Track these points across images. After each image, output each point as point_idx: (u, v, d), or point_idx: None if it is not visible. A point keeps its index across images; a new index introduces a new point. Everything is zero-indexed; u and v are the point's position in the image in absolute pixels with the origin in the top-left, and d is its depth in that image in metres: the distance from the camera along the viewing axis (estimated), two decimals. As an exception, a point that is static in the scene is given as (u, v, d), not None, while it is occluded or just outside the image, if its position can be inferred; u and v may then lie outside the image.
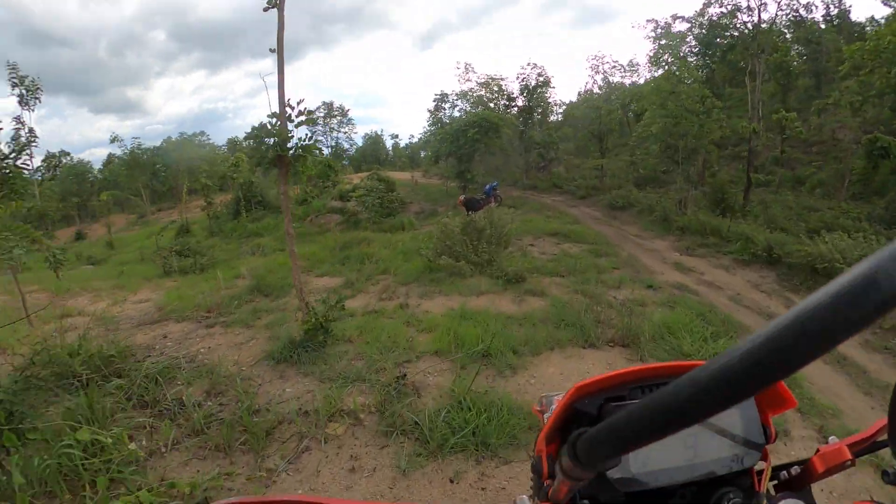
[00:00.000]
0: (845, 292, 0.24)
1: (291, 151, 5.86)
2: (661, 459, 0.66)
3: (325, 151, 50.97)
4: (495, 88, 29.45)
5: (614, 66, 31.17)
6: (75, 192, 39.93)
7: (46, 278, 12.93)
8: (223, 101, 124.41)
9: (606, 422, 0.40)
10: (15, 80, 25.24)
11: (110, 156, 45.01)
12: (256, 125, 5.62)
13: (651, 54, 26.93)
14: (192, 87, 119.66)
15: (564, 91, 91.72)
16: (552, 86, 29.42)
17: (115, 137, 37.47)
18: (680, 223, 16.25)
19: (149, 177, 38.83)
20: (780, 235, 13.34)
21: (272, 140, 5.73)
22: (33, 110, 26.34)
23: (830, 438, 0.81)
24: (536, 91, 29.62)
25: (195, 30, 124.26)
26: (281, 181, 5.89)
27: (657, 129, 17.24)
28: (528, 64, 29.74)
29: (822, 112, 23.54)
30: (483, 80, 28.09)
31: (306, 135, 6.00)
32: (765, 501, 0.70)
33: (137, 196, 39.77)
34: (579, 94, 31.55)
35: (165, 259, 15.15)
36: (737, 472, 0.72)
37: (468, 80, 28.68)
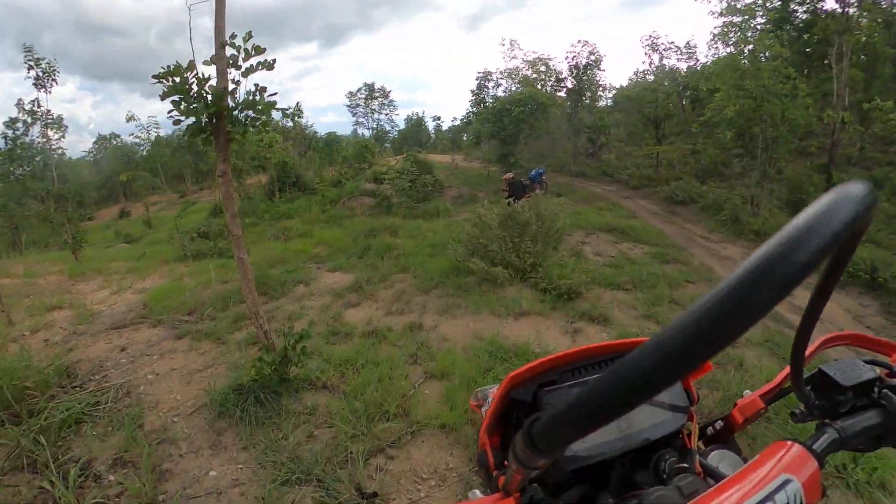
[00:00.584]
0: (765, 261, 0.27)
1: (236, 111, 3.81)
2: (599, 434, 0.65)
3: (366, 133, 49.46)
4: (542, 68, 26.96)
5: (669, 48, 28.03)
6: (121, 172, 39.64)
7: (71, 259, 12.97)
8: (270, 85, 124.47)
9: (563, 404, 0.38)
10: (31, 62, 24.40)
11: (157, 137, 44.51)
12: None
13: (716, 31, 23.84)
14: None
15: (614, 76, 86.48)
16: (602, 68, 26.65)
17: (131, 117, 36.70)
18: (754, 226, 13.79)
19: (194, 157, 37.86)
20: (881, 252, 10.92)
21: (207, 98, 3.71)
22: (50, 92, 25.59)
23: (745, 392, 0.87)
24: (587, 71, 26.94)
25: (241, 15, 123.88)
26: (219, 156, 3.86)
27: (732, 113, 14.61)
28: (579, 41, 27.10)
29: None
30: (529, 59, 25.56)
31: (257, 87, 3.93)
32: (697, 456, 0.74)
33: (178, 177, 39.24)
34: (630, 79, 28.57)
35: (184, 243, 13.79)
36: (669, 435, 0.75)
37: (514, 57, 26.29)
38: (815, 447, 0.59)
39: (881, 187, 19.27)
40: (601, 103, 31.77)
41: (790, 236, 0.28)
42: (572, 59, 27.29)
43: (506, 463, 0.72)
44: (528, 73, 26.23)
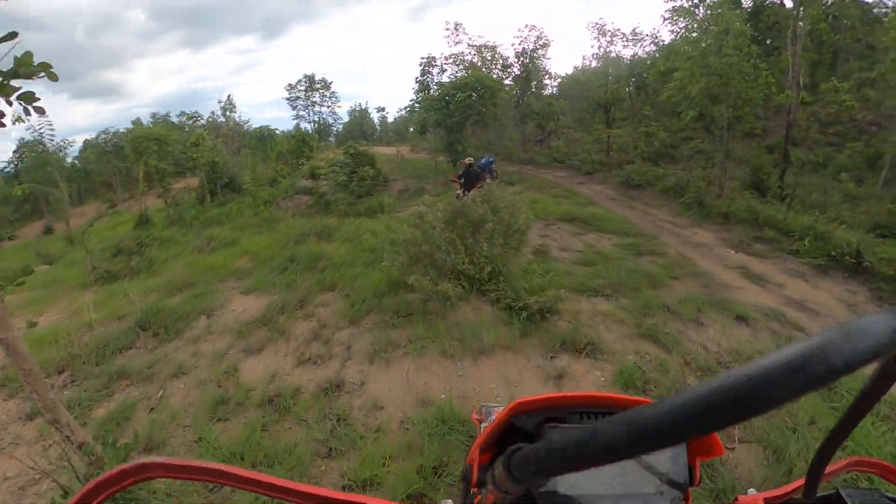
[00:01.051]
0: (797, 359, 0.25)
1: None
2: (588, 485, 0.62)
3: (308, 127, 46.64)
4: (488, 56, 25.40)
5: (616, 34, 26.78)
6: (43, 184, 35.54)
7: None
8: (209, 81, 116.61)
9: (542, 443, 0.40)
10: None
11: (85, 142, 40.56)
12: None
13: (667, 15, 22.79)
14: (175, 67, 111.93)
15: (560, 64, 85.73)
16: (548, 55, 25.39)
17: (18, 118, 32.67)
18: (720, 208, 12.61)
19: (122, 162, 34.35)
20: (856, 234, 10.12)
21: None
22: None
23: (749, 490, 0.80)
24: (534, 56, 25.59)
25: (174, 7, 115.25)
26: None
27: (696, 91, 13.35)
28: (526, 26, 25.61)
29: (861, 87, 19.92)
30: (476, 44, 23.93)
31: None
32: None
33: (107, 185, 35.79)
34: (576, 67, 27.23)
35: (91, 265, 11.47)
36: None
37: (458, 42, 24.53)
38: None
39: (825, 166, 18.75)
40: (547, 91, 30.47)
41: (830, 340, 0.26)
42: (519, 44, 25.85)
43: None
44: (475, 59, 24.56)
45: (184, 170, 29.93)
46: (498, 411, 0.76)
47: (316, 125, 48.94)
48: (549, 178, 19.64)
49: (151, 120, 41.78)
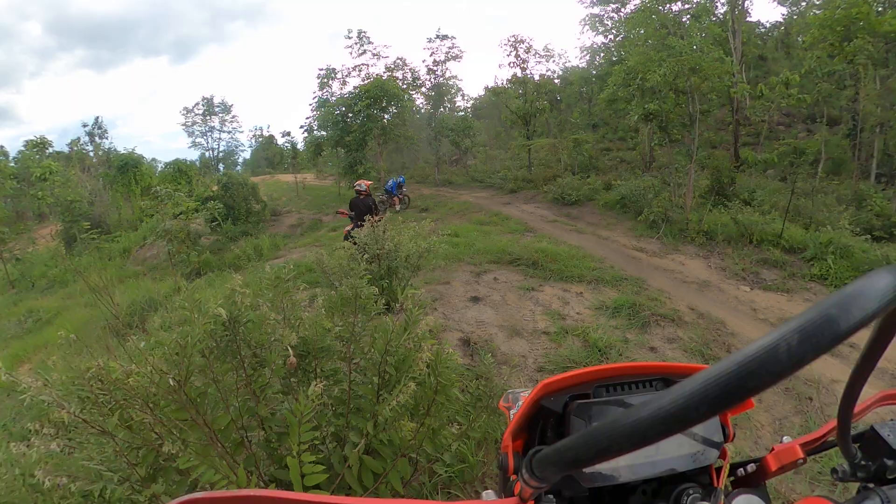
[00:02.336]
0: (808, 323, 0.26)
1: None
2: (625, 456, 0.51)
3: (205, 155, 40.82)
4: (394, 67, 21.52)
5: (528, 51, 23.66)
6: None
7: None
8: (113, 106, 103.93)
9: (557, 445, 0.40)
10: None
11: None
12: None
13: (587, 20, 20.06)
14: (76, 90, 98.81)
15: (469, 85, 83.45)
16: (458, 75, 21.91)
17: None
18: (696, 225, 9.30)
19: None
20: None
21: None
22: None
23: (784, 438, 0.78)
24: (445, 71, 22.10)
25: (77, 23, 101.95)
26: None
27: (657, 80, 9.94)
28: (437, 36, 22.00)
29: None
30: (381, 53, 19.89)
31: None
32: (722, 496, 0.66)
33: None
34: (486, 87, 23.66)
35: None
36: (696, 469, 0.67)
37: (363, 52, 20.33)
38: None
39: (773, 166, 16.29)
40: (460, 111, 27.02)
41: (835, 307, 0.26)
42: (430, 55, 22.20)
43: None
44: (380, 71, 20.50)
45: (43, 212, 23.92)
46: (525, 395, 0.76)
47: (213, 152, 43.08)
48: (470, 200, 15.87)
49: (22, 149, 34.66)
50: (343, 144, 16.06)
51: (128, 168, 19.96)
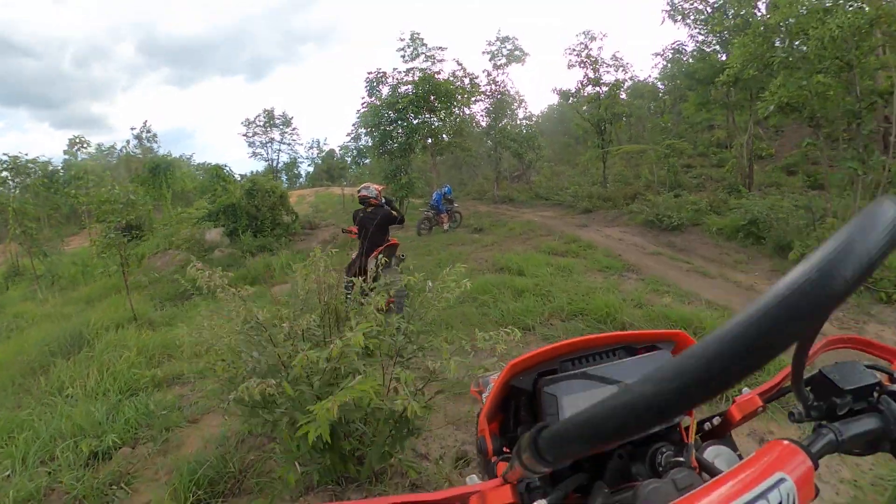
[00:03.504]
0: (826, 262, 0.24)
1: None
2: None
3: (263, 165, 39.55)
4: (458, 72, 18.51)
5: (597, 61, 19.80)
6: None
7: None
8: (191, 119, 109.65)
9: (574, 417, 0.34)
10: None
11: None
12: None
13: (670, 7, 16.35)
14: (160, 103, 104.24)
15: (530, 99, 79.43)
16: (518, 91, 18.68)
17: None
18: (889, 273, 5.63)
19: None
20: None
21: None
22: None
23: (744, 389, 0.80)
24: (507, 71, 18.98)
25: (164, 44, 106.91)
26: None
27: (835, 30, 6.29)
28: (497, 38, 18.93)
29: None
30: (437, 56, 16.86)
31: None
32: (693, 450, 0.67)
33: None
34: (554, 90, 20.02)
35: None
36: (667, 429, 0.69)
37: (416, 56, 17.41)
38: (810, 448, 0.54)
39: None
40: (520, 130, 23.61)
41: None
42: (490, 59, 19.14)
43: (505, 450, 0.69)
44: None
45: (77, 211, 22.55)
46: (494, 378, 0.75)
47: (273, 163, 41.75)
48: (535, 220, 12.53)
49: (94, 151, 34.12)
50: (387, 151, 13.16)
51: (159, 171, 17.96)
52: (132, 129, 31.72)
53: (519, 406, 0.70)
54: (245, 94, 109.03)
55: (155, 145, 32.54)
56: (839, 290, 0.23)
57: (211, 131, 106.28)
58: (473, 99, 18.80)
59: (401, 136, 12.77)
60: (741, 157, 14.89)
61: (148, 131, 32.25)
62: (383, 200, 12.46)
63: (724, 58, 13.87)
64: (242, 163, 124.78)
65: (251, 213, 13.52)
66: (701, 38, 15.84)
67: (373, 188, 5.42)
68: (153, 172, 17.08)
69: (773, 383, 0.80)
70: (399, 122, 13.02)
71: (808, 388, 0.65)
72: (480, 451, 0.68)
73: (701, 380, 0.25)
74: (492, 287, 5.33)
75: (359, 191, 5.48)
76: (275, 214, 13.64)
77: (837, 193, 7.81)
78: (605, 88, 17.01)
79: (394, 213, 5.31)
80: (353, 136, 16.50)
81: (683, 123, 22.60)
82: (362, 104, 16.76)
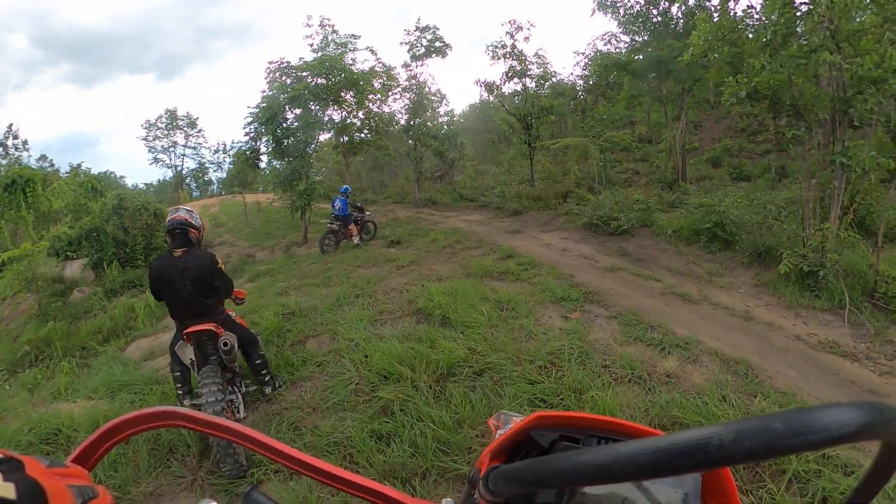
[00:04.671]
0: (748, 429, 0.26)
1: None
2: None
3: (168, 173, 35.15)
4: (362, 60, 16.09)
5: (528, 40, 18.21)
6: None
7: None
8: (96, 123, 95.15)
9: (511, 465, 0.41)
10: None
11: None
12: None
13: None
14: (60, 105, 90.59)
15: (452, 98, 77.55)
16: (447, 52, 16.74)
17: None
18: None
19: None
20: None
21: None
22: None
23: None
24: (427, 62, 16.89)
25: (63, 37, 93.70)
26: None
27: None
28: (417, 28, 16.78)
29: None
30: (346, 42, 14.32)
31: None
32: None
33: None
34: (477, 81, 18.09)
35: None
36: None
37: (326, 44, 14.80)
38: None
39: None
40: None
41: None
42: (409, 48, 16.95)
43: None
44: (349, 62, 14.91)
45: None
46: (516, 420, 0.75)
47: (175, 170, 37.23)
48: (462, 226, 10.58)
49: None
50: (282, 152, 10.66)
51: (16, 187, 14.26)
52: (-10, 134, 26.05)
53: (527, 458, 0.61)
54: (155, 95, 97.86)
55: (25, 154, 27.46)
56: (734, 458, 0.25)
57: (117, 137, 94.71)
58: (390, 93, 16.63)
59: (298, 133, 10.30)
60: (674, 151, 13.77)
61: (15, 137, 27.09)
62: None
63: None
64: (144, 171, 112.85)
65: (119, 239, 10.61)
66: (632, 30, 14.59)
67: (182, 213, 3.12)
68: (7, 190, 13.36)
69: None
70: (296, 115, 10.56)
71: None
72: (470, 482, 0.61)
73: (600, 468, 0.30)
74: (403, 363, 3.22)
75: (168, 217, 3.12)
76: (149, 237, 10.79)
77: (803, 189, 6.40)
78: (531, 82, 15.40)
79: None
80: (251, 135, 13.65)
81: (605, 121, 21.75)
82: (261, 96, 14.04)
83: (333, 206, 9.33)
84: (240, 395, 3.10)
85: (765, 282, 5.71)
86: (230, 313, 3.50)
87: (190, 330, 2.80)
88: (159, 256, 3.06)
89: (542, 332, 3.78)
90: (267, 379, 3.42)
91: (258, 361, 3.34)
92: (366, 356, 3.50)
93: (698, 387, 3.24)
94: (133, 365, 4.78)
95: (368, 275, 6.42)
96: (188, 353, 2.90)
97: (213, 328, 2.83)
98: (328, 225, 9.32)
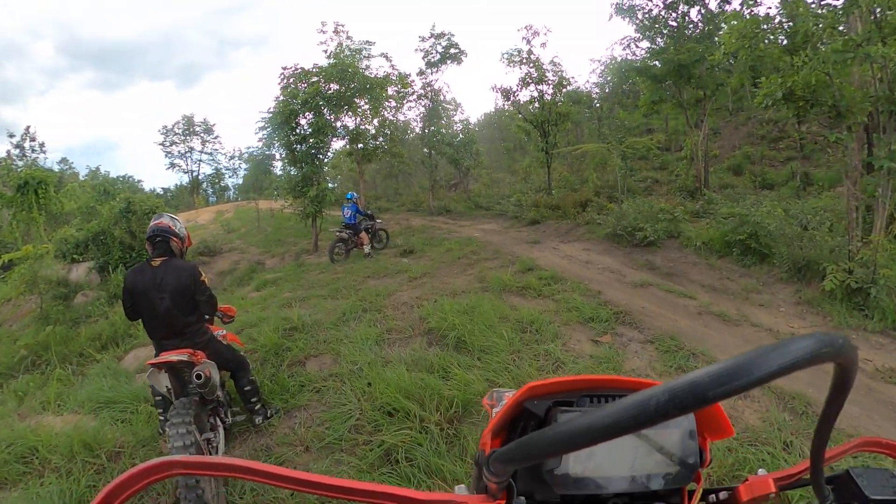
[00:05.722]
0: (678, 387, 0.29)
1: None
2: (600, 467, 0.58)
3: (184, 178, 35.20)
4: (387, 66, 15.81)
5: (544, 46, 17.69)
6: None
7: None
8: (117, 128, 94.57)
9: (510, 445, 0.42)
10: None
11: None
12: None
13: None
14: (83, 110, 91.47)
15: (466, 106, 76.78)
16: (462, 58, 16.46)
17: None
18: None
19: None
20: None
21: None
22: None
23: (759, 470, 0.70)
24: (442, 69, 16.56)
25: (87, 45, 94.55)
26: None
27: None
28: (432, 34, 16.50)
29: None
30: (361, 48, 14.04)
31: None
32: None
33: None
34: (493, 87, 17.65)
35: None
36: (669, 489, 0.63)
37: (342, 51, 14.53)
38: None
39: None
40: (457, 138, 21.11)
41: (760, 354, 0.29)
42: (424, 55, 16.67)
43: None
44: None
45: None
46: (509, 395, 0.75)
47: (191, 175, 37.29)
48: (477, 236, 10.15)
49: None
50: (295, 158, 10.34)
51: (28, 188, 14.14)
52: (10, 136, 26.20)
53: (526, 429, 0.63)
54: (175, 101, 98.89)
55: (42, 156, 27.60)
56: (716, 397, 0.28)
57: (136, 142, 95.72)
58: (405, 101, 16.34)
59: (310, 138, 9.96)
60: (696, 158, 13.19)
61: (32, 139, 27.24)
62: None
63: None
64: (162, 176, 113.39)
65: (126, 242, 10.35)
66: (650, 35, 14.07)
67: (181, 225, 2.76)
68: (21, 190, 13.24)
69: (792, 471, 0.70)
70: (309, 120, 10.24)
71: (831, 487, 0.61)
72: (477, 464, 0.61)
73: (591, 432, 0.32)
74: (411, 396, 2.78)
75: (151, 223, 2.74)
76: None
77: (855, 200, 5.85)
78: (548, 88, 14.96)
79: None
80: (264, 140, 13.34)
81: (624, 127, 21.16)
82: (275, 102, 13.77)
83: (344, 214, 8.96)
84: (221, 431, 2.68)
85: (807, 299, 5.19)
86: (218, 332, 3.11)
87: (157, 361, 2.40)
88: (135, 267, 2.68)
89: (571, 360, 3.32)
90: (257, 407, 3.01)
91: (247, 388, 2.94)
92: (369, 384, 3.07)
93: (755, 429, 2.77)
94: (126, 377, 4.41)
95: (378, 287, 6.00)
96: (163, 381, 2.50)
97: (186, 357, 2.43)
98: (337, 233, 8.94)
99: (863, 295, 4.89)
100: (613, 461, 0.58)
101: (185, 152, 36.24)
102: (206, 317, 2.95)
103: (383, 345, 3.90)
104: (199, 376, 2.43)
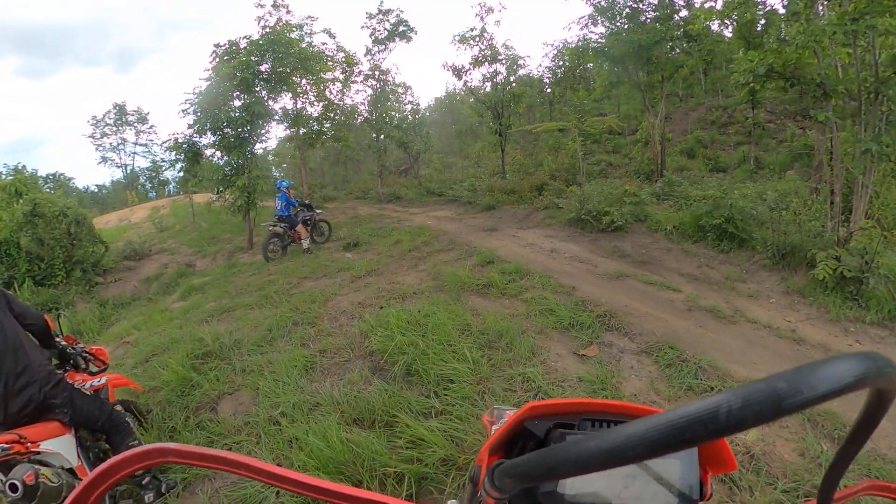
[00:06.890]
0: (755, 392, 0.26)
1: None
2: (597, 493, 0.56)
3: (118, 174, 32.38)
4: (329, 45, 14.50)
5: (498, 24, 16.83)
6: None
7: None
8: (48, 120, 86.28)
9: (515, 460, 0.40)
10: None
11: None
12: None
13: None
14: (8, 100, 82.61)
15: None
16: (413, 34, 15.43)
17: None
18: None
19: None
20: None
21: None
22: None
23: None
24: (393, 41, 15.44)
25: (10, 28, 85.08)
26: None
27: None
28: (379, 10, 15.29)
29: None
30: (299, 23, 12.67)
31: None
32: None
33: None
34: (444, 65, 16.50)
35: None
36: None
37: (277, 22, 13.08)
38: None
39: None
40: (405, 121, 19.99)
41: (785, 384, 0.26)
42: (371, 32, 15.44)
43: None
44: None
45: None
46: (510, 414, 0.71)
47: (125, 169, 34.40)
48: (429, 224, 9.32)
49: None
50: (220, 138, 9.09)
51: None
52: None
53: (525, 449, 0.62)
54: (114, 88, 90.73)
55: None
56: (744, 423, 0.25)
57: (71, 135, 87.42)
58: (350, 80, 15.18)
59: (240, 121, 8.74)
60: (653, 141, 12.81)
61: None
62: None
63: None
64: (97, 172, 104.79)
65: (34, 252, 8.87)
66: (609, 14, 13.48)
67: None
68: None
69: None
70: (242, 101, 9.01)
71: None
72: (472, 480, 0.61)
73: (611, 452, 0.29)
74: (344, 469, 1.93)
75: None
76: (69, 249, 9.07)
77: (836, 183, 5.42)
78: (501, 67, 14.20)
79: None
80: (194, 126, 11.83)
81: (580, 108, 20.76)
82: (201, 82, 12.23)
83: (277, 206, 7.88)
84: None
85: (796, 288, 4.67)
86: (88, 382, 2.17)
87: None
88: None
89: (554, 385, 2.56)
90: (145, 481, 2.10)
91: None
92: (291, 442, 2.19)
93: (792, 468, 2.10)
94: None
95: (315, 290, 5.06)
96: None
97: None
98: (270, 228, 7.85)
99: (856, 284, 4.41)
100: (611, 487, 0.55)
101: (118, 145, 33.18)
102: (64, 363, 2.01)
103: (314, 373, 3.00)
104: (13, 487, 1.49)
